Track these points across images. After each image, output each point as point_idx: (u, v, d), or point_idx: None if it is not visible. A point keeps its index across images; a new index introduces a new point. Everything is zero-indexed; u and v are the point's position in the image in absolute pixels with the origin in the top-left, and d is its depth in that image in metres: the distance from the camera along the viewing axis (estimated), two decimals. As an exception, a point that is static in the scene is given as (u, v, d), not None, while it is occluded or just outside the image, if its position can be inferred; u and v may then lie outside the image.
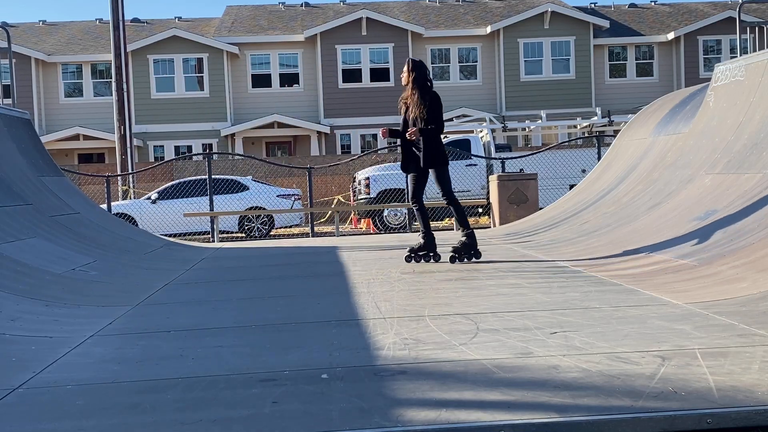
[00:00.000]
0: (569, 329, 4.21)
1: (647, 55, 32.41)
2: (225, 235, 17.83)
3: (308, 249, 10.60)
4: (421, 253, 7.78)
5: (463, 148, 19.44)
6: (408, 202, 17.20)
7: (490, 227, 14.87)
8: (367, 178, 19.33)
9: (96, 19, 35.18)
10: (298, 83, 31.43)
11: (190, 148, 30.49)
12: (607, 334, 4.07)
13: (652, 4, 35.90)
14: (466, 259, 7.59)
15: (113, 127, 22.04)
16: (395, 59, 30.91)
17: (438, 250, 7.78)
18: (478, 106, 30.24)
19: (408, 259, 7.79)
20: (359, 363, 3.71)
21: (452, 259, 7.60)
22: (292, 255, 9.75)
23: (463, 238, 7.66)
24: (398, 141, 8.16)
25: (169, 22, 34.49)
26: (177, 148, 30.69)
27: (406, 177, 8.23)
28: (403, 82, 7.88)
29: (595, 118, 23.63)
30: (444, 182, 7.70)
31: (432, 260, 7.73)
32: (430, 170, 7.74)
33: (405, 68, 7.84)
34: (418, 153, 7.70)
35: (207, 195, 16.61)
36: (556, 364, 3.48)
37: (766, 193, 6.46)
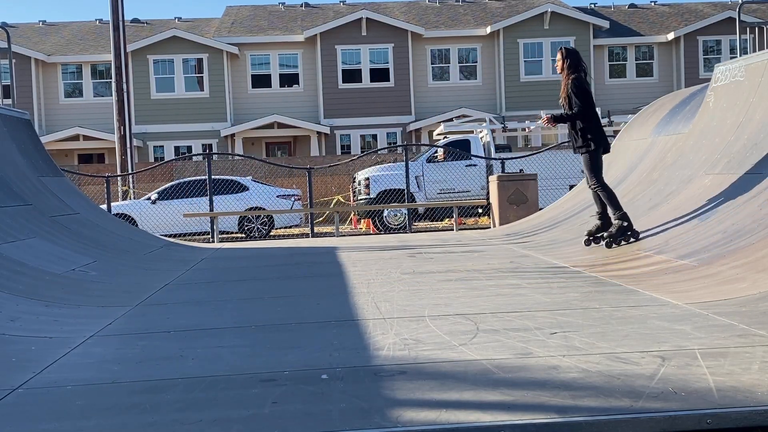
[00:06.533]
0: (569, 329, 4.21)
1: (647, 56, 32.40)
2: (225, 236, 17.83)
3: (308, 249, 10.60)
4: (598, 235, 7.76)
5: (463, 148, 19.43)
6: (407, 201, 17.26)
7: (490, 227, 14.88)
8: (367, 179, 19.33)
9: (96, 19, 35.17)
10: (298, 83, 31.43)
11: (190, 148, 30.48)
12: (607, 334, 4.07)
13: (652, 4, 35.90)
14: (624, 242, 7.51)
15: (113, 127, 22.04)
16: (395, 59, 30.91)
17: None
18: (478, 107, 30.23)
19: (587, 242, 7.80)
20: (359, 363, 3.71)
21: (608, 245, 7.54)
22: (291, 255, 9.75)
23: (618, 221, 7.58)
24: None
25: (169, 22, 34.49)
26: (177, 148, 30.69)
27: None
28: (558, 72, 7.92)
29: (595, 118, 23.60)
30: (588, 168, 7.69)
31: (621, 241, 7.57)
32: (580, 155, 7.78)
33: (558, 56, 7.89)
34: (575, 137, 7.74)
35: (207, 195, 16.61)
36: (556, 365, 3.48)
37: (766, 193, 6.46)
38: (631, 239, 7.52)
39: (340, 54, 30.97)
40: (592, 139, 7.64)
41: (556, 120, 7.85)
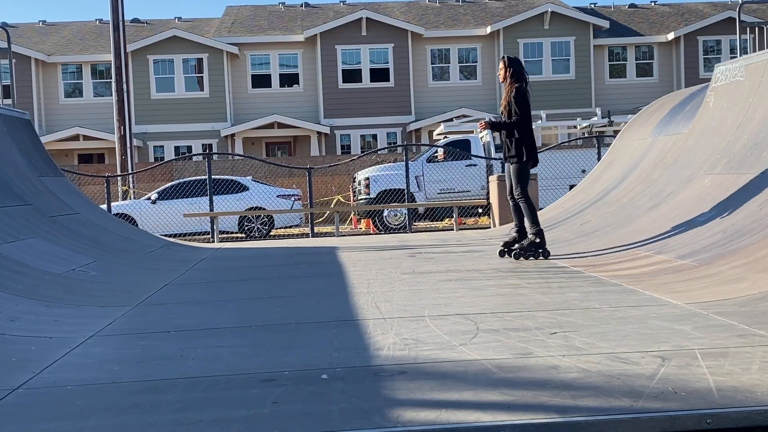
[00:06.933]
0: (569, 329, 4.21)
1: (647, 56, 32.40)
2: (225, 236, 17.83)
3: (308, 249, 10.60)
4: (513, 248, 7.81)
5: (463, 148, 19.43)
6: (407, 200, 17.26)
7: (490, 227, 14.87)
8: (367, 179, 19.32)
9: (96, 19, 35.17)
10: (298, 83, 31.43)
11: (190, 148, 30.47)
12: (607, 334, 4.07)
13: (652, 4, 35.90)
14: (532, 257, 7.60)
15: (113, 127, 22.04)
16: (395, 59, 30.90)
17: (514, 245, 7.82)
18: (478, 106, 30.22)
19: (501, 254, 7.85)
20: (359, 363, 3.71)
21: (516, 256, 7.63)
22: (291, 255, 9.75)
23: (531, 236, 7.66)
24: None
25: (169, 22, 34.49)
26: (177, 148, 30.69)
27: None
28: (501, 81, 7.89)
29: (595, 118, 23.61)
30: (516, 178, 7.71)
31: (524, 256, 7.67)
32: (510, 165, 7.79)
33: (501, 65, 7.83)
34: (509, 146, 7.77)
35: (207, 195, 16.61)
36: (556, 365, 3.48)
37: (766, 193, 6.47)
38: (540, 257, 7.58)
39: (340, 54, 30.96)
40: (525, 150, 7.67)
41: (493, 126, 7.83)
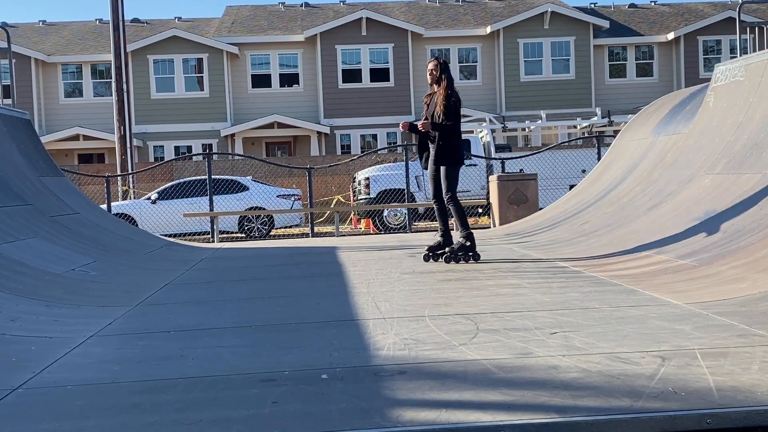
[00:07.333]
0: (569, 329, 4.21)
1: (647, 55, 32.40)
2: (225, 236, 17.83)
3: (308, 249, 10.60)
4: (438, 252, 7.79)
5: (462, 148, 19.42)
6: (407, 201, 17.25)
7: (490, 227, 14.87)
8: (367, 178, 19.33)
9: (96, 19, 35.17)
10: (298, 83, 31.43)
11: (190, 148, 30.48)
12: (607, 334, 4.07)
13: (652, 4, 35.90)
14: (463, 261, 7.60)
15: (113, 127, 22.04)
16: (395, 59, 30.90)
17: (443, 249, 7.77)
18: (478, 106, 30.22)
19: (426, 258, 7.81)
20: (359, 363, 3.71)
21: (447, 260, 7.61)
22: (291, 255, 9.75)
23: (461, 239, 7.67)
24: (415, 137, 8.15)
25: (169, 22, 34.49)
26: (177, 148, 30.69)
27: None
28: (430, 80, 7.82)
29: (595, 118, 23.63)
30: (448, 181, 7.69)
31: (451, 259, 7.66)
32: (440, 167, 7.73)
33: (432, 65, 7.76)
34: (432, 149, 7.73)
35: (207, 195, 16.61)
36: (556, 365, 3.48)
37: (766, 193, 6.47)
38: (471, 260, 7.58)
39: (340, 54, 30.96)
40: (456, 154, 7.71)
41: (434, 127, 7.77)
